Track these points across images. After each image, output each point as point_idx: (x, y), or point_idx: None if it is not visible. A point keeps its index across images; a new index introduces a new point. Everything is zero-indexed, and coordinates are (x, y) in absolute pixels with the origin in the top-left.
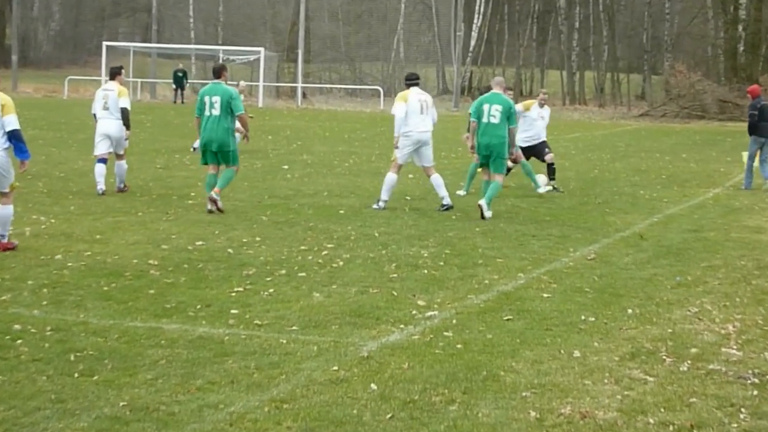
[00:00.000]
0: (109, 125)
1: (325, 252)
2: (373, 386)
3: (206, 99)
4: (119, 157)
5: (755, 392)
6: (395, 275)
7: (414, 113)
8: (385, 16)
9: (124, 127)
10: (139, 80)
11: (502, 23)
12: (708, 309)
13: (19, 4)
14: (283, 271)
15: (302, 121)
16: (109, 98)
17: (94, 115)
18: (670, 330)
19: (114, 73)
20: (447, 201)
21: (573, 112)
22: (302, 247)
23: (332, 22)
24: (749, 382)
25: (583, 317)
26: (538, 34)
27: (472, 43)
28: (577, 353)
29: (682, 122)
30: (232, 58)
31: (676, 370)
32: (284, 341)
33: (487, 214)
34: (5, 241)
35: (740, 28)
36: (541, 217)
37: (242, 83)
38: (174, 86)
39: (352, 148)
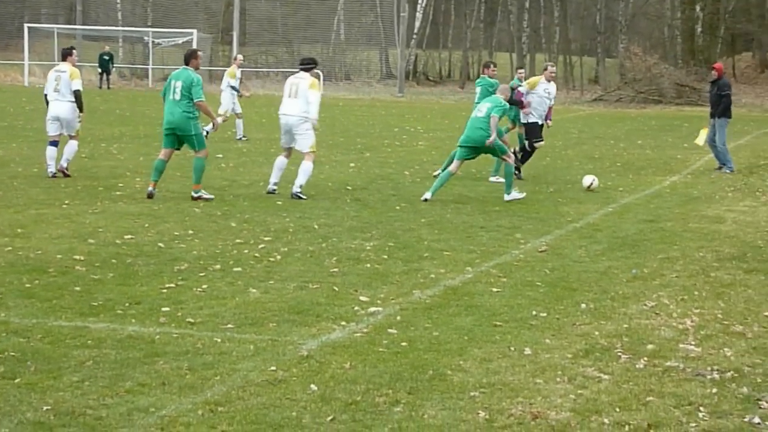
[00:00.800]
0: (59, 107)
1: (262, 245)
2: (313, 387)
3: (171, 83)
4: (71, 137)
5: (714, 390)
6: (336, 270)
7: (284, 96)
8: None
9: (76, 109)
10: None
11: (449, 3)
12: (665, 303)
13: None
14: (218, 266)
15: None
16: (61, 80)
17: (45, 96)
18: (625, 325)
19: (65, 54)
20: (296, 190)
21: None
22: (238, 241)
23: (269, 3)
24: (708, 379)
25: (534, 312)
26: (486, 14)
27: (417, 24)
28: (528, 350)
29: (638, 107)
30: (158, 40)
31: (632, 367)
32: (219, 340)
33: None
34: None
35: (698, 8)
36: (490, 208)
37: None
38: (99, 70)
39: None
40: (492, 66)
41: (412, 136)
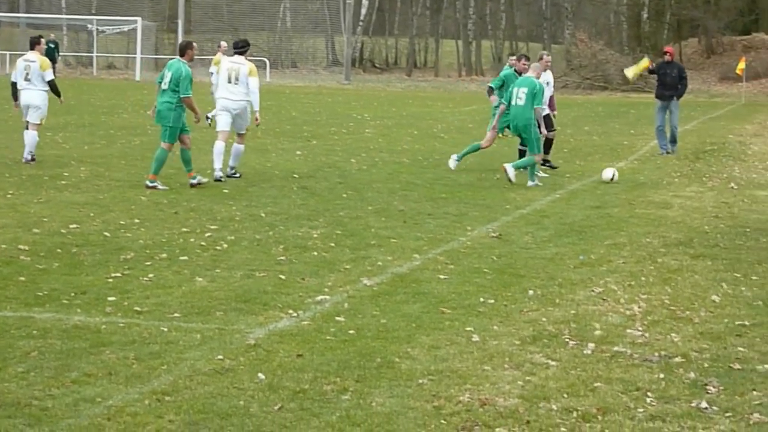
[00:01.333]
0: (30, 95)
1: (209, 234)
2: (261, 376)
3: (165, 72)
4: (33, 126)
5: (662, 375)
6: (283, 258)
7: (222, 80)
8: None
9: (46, 98)
10: (8, 53)
11: None
12: (612, 289)
13: None
14: (164, 255)
15: None
16: (32, 69)
17: (14, 83)
18: (573, 311)
19: (33, 43)
20: (218, 174)
21: (470, 83)
22: (184, 229)
23: None
24: (655, 364)
25: (482, 299)
26: (433, 1)
27: (363, 11)
28: (476, 337)
29: (584, 93)
30: (101, 28)
31: (579, 353)
32: (165, 329)
33: (511, 174)
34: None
35: None
36: (437, 195)
37: (223, 44)
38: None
39: None
40: (524, 59)
41: (359, 124)
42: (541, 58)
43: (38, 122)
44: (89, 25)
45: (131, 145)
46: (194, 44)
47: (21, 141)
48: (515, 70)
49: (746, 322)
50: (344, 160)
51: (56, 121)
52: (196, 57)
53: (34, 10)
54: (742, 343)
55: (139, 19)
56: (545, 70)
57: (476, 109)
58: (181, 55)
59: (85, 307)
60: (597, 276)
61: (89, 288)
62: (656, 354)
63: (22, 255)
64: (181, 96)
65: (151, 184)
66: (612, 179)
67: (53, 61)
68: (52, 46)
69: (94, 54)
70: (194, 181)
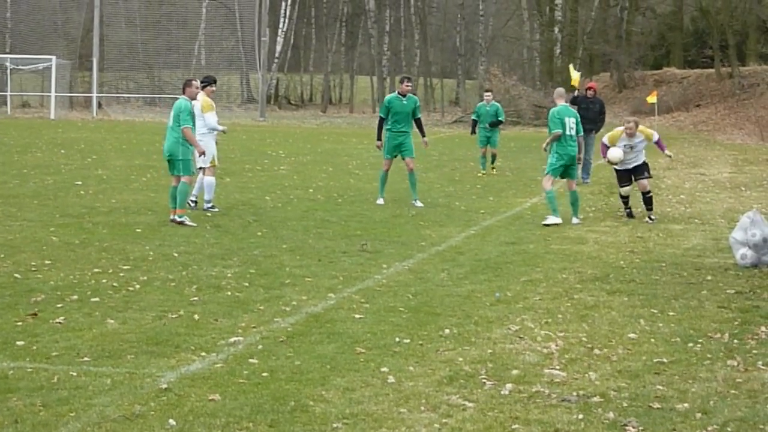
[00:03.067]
0: None
1: (121, 274)
2: (172, 422)
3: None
4: None
5: (580, 416)
6: (196, 298)
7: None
8: (185, 21)
9: None
10: None
11: (310, 28)
12: (529, 327)
13: None
14: (75, 297)
15: (98, 133)
16: None
17: None
18: (489, 350)
19: None
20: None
21: None
22: (96, 270)
23: (129, 28)
24: (574, 404)
25: (397, 339)
26: (347, 38)
27: (278, 48)
28: (391, 378)
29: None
30: (19, 66)
31: (496, 394)
32: (75, 374)
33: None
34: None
35: (556, 30)
36: (351, 232)
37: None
38: None
39: (150, 162)
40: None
41: (273, 161)
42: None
43: None
44: (5, 63)
45: (44, 183)
46: (194, 81)
47: None
48: (399, 93)
49: (664, 359)
50: (259, 197)
51: None
52: (112, 95)
53: None
54: (660, 381)
55: (53, 57)
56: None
57: None
58: (183, 92)
59: None
60: (513, 313)
61: None
62: (574, 393)
63: None
64: (181, 126)
65: (179, 219)
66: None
67: None
68: None
69: (8, 93)
70: (178, 219)
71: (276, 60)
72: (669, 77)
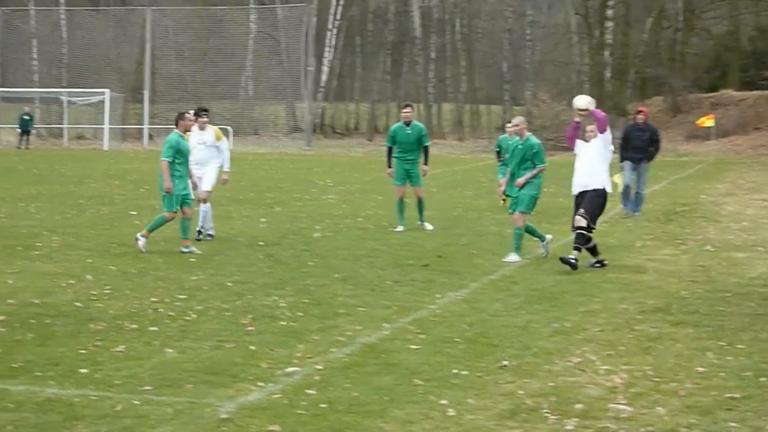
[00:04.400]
0: None
1: (178, 303)
2: None
3: None
4: None
5: None
6: (251, 328)
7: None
8: (232, 53)
9: None
10: None
11: (355, 56)
12: (591, 359)
13: None
14: (134, 326)
15: (149, 164)
16: None
17: None
18: (551, 383)
19: None
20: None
21: (431, 146)
22: (153, 299)
23: (178, 61)
24: None
25: (455, 371)
26: (393, 66)
27: (324, 78)
28: (451, 411)
29: (547, 154)
30: (73, 100)
31: (561, 429)
32: (137, 403)
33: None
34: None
35: (607, 53)
36: (402, 261)
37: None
38: (20, 131)
39: None
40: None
41: (321, 190)
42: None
43: None
44: (62, 98)
45: (100, 214)
46: (186, 114)
47: None
48: (403, 122)
49: (736, 395)
50: (309, 226)
51: (29, 192)
52: (161, 126)
53: (8, 84)
54: (733, 417)
55: (107, 91)
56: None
57: (439, 173)
58: (176, 125)
59: (58, 380)
60: (573, 345)
61: (62, 359)
62: (642, 430)
63: None
64: (161, 159)
65: (138, 237)
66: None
67: (27, 133)
68: (27, 118)
69: (65, 125)
70: (186, 250)
71: (322, 89)
72: (726, 100)
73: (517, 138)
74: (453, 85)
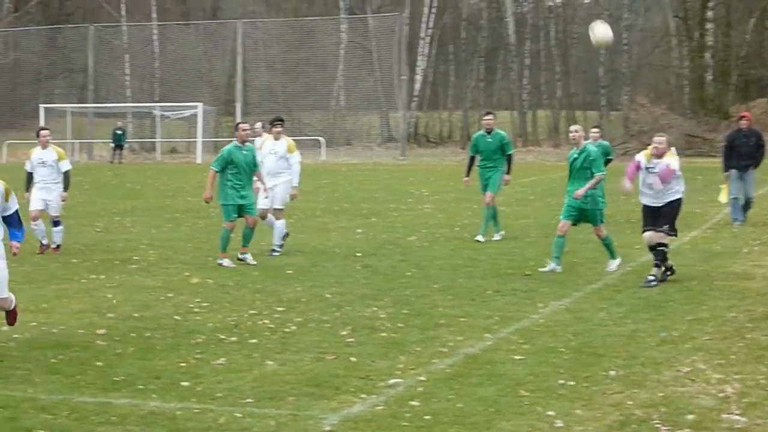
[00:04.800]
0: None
1: (276, 316)
2: None
3: None
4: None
5: None
6: (352, 339)
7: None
8: (323, 64)
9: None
10: (77, 141)
11: (448, 64)
12: (701, 368)
13: None
14: (234, 338)
15: None
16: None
17: (30, 174)
18: (660, 394)
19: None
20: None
21: (526, 154)
22: (251, 312)
23: (269, 73)
24: None
25: (561, 381)
26: (486, 73)
27: (417, 86)
28: (559, 423)
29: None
30: (166, 114)
31: None
32: (240, 416)
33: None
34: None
35: (708, 55)
36: (502, 271)
37: (258, 124)
38: (113, 145)
39: (295, 203)
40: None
41: (417, 200)
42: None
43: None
44: (154, 112)
45: (196, 227)
46: (240, 125)
47: (74, 230)
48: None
49: None
50: (405, 236)
51: (124, 206)
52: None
53: (101, 99)
54: None
55: (200, 104)
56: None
57: (536, 181)
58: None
59: (160, 393)
60: (682, 354)
61: (163, 373)
62: None
63: (99, 339)
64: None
65: (239, 257)
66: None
67: (120, 147)
68: (120, 132)
69: (158, 139)
70: (241, 257)
71: (415, 98)
72: None
73: (590, 143)
74: (548, 92)
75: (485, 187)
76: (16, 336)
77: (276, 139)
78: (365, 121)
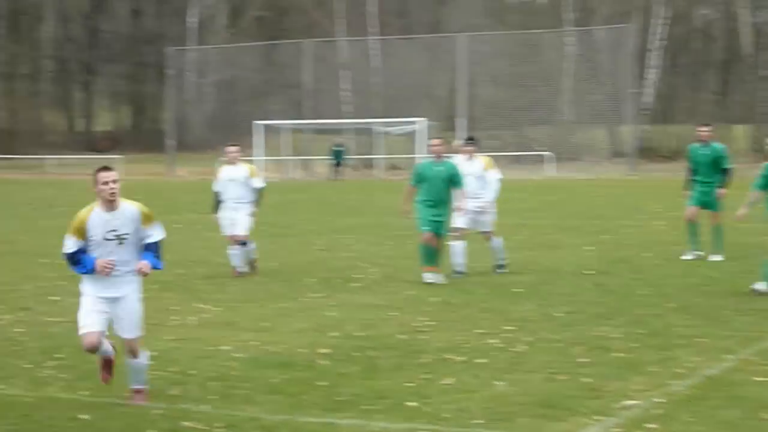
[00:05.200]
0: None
1: (505, 335)
2: None
3: None
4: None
5: None
6: (584, 359)
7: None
8: (548, 77)
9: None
10: (294, 158)
11: (679, 77)
12: None
13: (173, 87)
14: (462, 358)
15: None
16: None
17: (217, 194)
18: None
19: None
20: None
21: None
22: (478, 331)
23: (492, 87)
24: None
25: None
26: (722, 85)
27: (646, 99)
28: None
29: None
30: (389, 130)
31: None
32: None
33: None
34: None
35: None
36: (740, 289)
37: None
38: (333, 162)
39: (522, 220)
40: None
41: (649, 216)
42: None
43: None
44: (374, 128)
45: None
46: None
47: (294, 248)
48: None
49: None
50: (637, 254)
51: (344, 223)
52: (480, 154)
53: (318, 115)
54: None
55: (423, 119)
56: None
57: None
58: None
59: (386, 413)
60: None
61: (388, 393)
62: None
63: (321, 359)
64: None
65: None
66: None
67: (339, 164)
68: (340, 149)
69: (377, 156)
70: (426, 276)
71: (645, 111)
72: None
73: None
74: None
75: (700, 202)
76: (238, 356)
77: (468, 159)
78: (591, 135)
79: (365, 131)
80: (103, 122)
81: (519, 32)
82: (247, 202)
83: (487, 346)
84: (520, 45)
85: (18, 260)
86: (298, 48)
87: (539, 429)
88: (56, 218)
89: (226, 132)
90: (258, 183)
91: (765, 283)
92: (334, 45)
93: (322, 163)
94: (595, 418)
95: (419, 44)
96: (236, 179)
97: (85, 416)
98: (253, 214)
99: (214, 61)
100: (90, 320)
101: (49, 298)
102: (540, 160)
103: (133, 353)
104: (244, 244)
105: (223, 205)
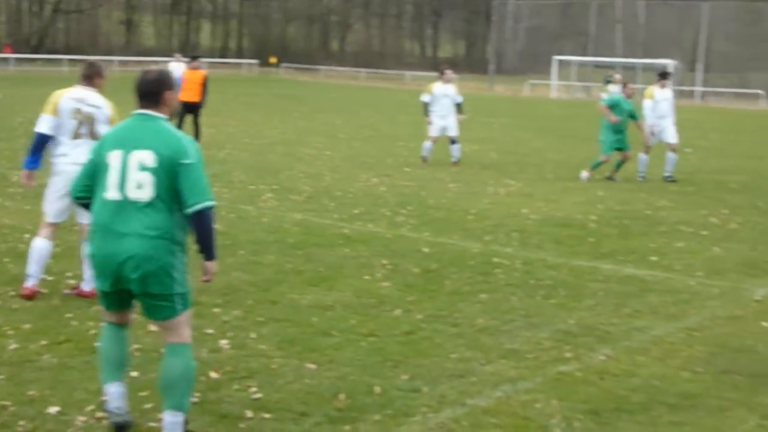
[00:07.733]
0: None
1: (722, 216)
2: (764, 324)
3: None
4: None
5: None
6: None
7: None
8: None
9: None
10: (579, 83)
11: None
12: None
13: (496, 29)
14: (690, 230)
15: None
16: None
17: (426, 104)
18: None
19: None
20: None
21: None
22: (702, 212)
23: (726, 42)
24: None
25: None
26: None
27: None
28: None
29: None
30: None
31: None
32: (692, 284)
33: None
34: None
35: None
36: None
37: (617, 76)
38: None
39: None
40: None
41: None
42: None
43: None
44: (637, 66)
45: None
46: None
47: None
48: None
49: None
50: None
51: None
52: None
53: (599, 54)
54: None
55: (674, 61)
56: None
57: None
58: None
59: (634, 263)
60: None
61: (637, 249)
62: None
63: (591, 223)
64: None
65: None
66: None
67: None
68: (608, 81)
69: (638, 85)
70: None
71: None
72: None
73: None
74: None
75: None
76: (533, 217)
77: (661, 88)
78: None
79: (631, 68)
80: (445, 51)
81: (749, 2)
82: (452, 113)
83: (709, 222)
84: (749, 12)
85: (383, 141)
86: (586, 6)
87: (743, 282)
88: (412, 115)
89: (531, 64)
90: (459, 99)
91: None
92: (612, 4)
93: (599, 89)
94: None
95: (673, 7)
96: (448, 95)
97: (426, 249)
98: (460, 119)
99: (526, 12)
100: None
101: (404, 169)
102: (756, 97)
103: None
104: (453, 142)
105: (434, 113)
